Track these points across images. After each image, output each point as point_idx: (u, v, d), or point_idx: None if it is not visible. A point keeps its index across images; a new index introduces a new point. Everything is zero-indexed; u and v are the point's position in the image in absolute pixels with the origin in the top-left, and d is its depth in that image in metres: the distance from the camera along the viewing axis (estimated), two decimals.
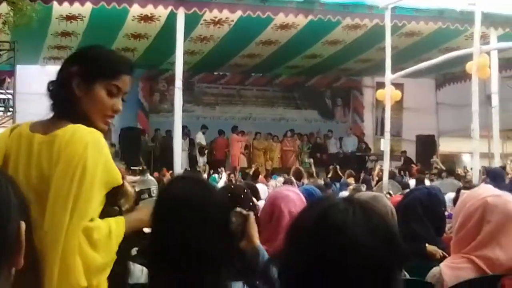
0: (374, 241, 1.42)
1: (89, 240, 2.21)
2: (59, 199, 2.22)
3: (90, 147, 2.29)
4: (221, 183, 13.71)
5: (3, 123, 17.66)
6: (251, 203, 3.19)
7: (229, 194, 2.95)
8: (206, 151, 20.65)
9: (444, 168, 16.36)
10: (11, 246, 1.20)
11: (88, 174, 2.25)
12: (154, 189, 2.95)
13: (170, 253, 2.10)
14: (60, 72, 2.48)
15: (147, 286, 2.20)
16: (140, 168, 16.27)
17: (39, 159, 2.33)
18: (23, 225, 1.22)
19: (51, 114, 2.47)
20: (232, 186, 3.72)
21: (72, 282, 2.17)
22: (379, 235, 1.44)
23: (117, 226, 2.33)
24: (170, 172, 14.08)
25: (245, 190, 3.24)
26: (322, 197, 1.60)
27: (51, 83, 2.49)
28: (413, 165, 19.78)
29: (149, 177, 2.45)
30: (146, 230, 2.45)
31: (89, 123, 2.41)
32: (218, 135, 21.35)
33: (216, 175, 16.48)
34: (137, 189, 2.74)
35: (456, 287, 2.83)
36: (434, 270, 2.92)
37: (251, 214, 2.45)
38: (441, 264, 2.91)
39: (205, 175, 15.63)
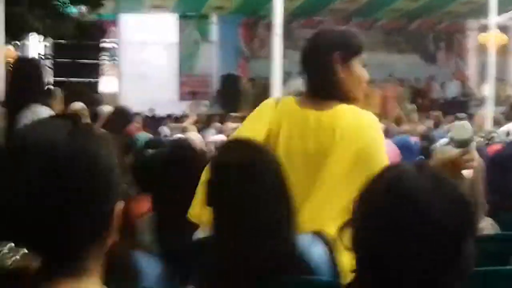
0: (445, 208, 1.44)
1: None
2: (342, 171, 2.51)
3: (373, 130, 2.65)
4: None
5: (108, 71, 18.16)
6: None
7: None
8: None
9: None
10: (105, 226, 1.26)
11: (374, 155, 2.55)
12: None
13: (232, 218, 2.15)
14: (320, 58, 2.76)
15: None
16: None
17: (317, 132, 2.63)
18: (119, 205, 1.28)
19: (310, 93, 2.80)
20: None
21: None
22: (450, 202, 1.45)
23: None
24: None
25: None
26: (392, 165, 1.61)
27: (310, 65, 2.81)
28: None
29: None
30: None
31: (352, 99, 2.77)
32: None
33: None
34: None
35: None
36: None
37: None
38: None
39: None
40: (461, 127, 2.62)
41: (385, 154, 2.59)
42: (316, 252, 2.23)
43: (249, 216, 2.12)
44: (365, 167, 2.42)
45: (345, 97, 2.73)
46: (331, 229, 2.17)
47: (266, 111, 2.81)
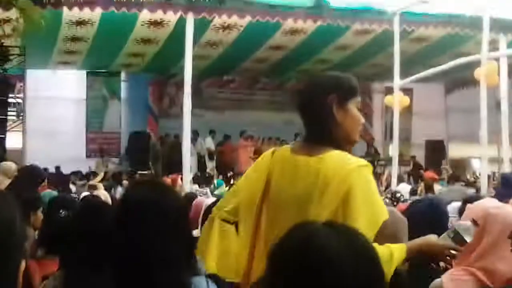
0: (357, 263, 1.46)
1: None
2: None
3: (357, 174, 2.59)
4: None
5: (14, 127, 17.75)
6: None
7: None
8: (214, 156, 20.68)
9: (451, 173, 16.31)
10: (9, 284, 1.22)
11: (353, 205, 2.50)
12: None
13: (129, 254, 2.13)
14: (316, 102, 2.77)
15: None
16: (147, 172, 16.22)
17: (304, 177, 2.63)
18: (23, 264, 1.24)
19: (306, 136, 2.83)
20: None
21: None
22: (361, 258, 1.48)
23: (399, 252, 2.63)
24: (180, 176, 14.00)
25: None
26: (303, 223, 1.62)
27: (306, 109, 2.81)
28: (422, 170, 19.74)
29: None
30: None
31: (349, 142, 2.83)
32: (224, 140, 21.35)
33: (222, 179, 16.43)
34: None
35: None
36: (436, 282, 2.92)
37: None
38: (443, 277, 2.90)
39: (214, 180, 15.65)
40: (468, 229, 2.75)
41: (373, 198, 2.59)
42: None
43: (147, 253, 2.10)
44: (348, 211, 2.46)
45: (343, 140, 2.77)
46: None
47: (262, 161, 2.85)
